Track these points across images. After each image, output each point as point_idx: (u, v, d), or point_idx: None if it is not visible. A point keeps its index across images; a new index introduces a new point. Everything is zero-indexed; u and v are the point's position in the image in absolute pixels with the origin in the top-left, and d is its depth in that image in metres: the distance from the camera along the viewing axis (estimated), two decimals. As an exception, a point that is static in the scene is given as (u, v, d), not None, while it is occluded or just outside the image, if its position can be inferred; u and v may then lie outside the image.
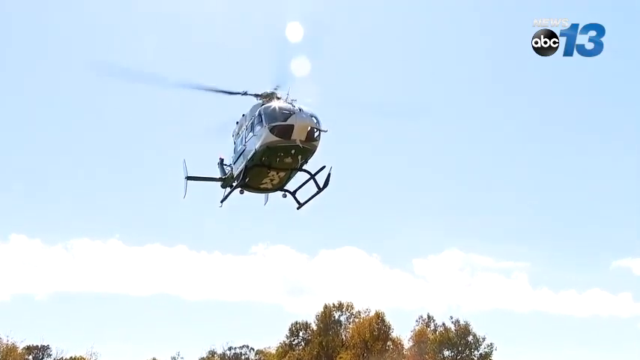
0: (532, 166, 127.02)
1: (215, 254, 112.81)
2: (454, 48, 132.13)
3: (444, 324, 73.22)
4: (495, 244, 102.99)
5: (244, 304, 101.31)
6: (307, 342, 76.05)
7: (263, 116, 23.39)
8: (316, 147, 23.24)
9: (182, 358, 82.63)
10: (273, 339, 79.25)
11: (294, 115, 22.62)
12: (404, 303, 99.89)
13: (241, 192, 26.71)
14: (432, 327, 73.97)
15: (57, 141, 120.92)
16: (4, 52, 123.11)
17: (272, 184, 25.62)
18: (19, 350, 68.27)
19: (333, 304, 76.66)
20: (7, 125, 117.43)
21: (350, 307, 76.34)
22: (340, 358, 71.40)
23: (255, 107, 25.15)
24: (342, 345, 73.17)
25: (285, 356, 75.56)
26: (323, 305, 76.59)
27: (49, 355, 77.11)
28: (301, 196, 26.93)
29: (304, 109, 23.15)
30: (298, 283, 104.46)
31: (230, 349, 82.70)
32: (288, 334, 77.42)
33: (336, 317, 76.37)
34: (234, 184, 27.09)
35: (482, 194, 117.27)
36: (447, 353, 70.64)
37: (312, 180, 25.48)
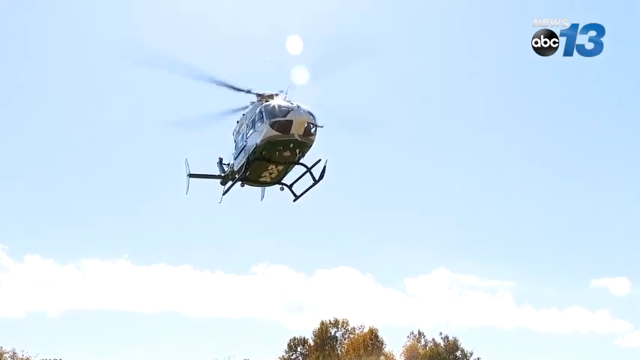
0: (520, 183, 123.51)
1: (218, 273, 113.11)
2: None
3: (433, 339, 75.06)
4: (481, 264, 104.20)
5: (245, 321, 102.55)
6: (305, 357, 77.24)
7: (264, 113, 24.19)
8: (313, 141, 24.05)
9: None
10: (273, 354, 79.83)
11: (292, 112, 23.50)
12: (396, 320, 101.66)
13: (242, 185, 27.39)
14: (423, 342, 75.59)
15: (66, 165, 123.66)
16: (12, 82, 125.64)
17: (270, 177, 26.30)
18: (34, 364, 70.81)
19: (330, 321, 78.25)
20: (18, 151, 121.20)
21: (345, 323, 78.17)
22: (336, 372, 73.09)
23: (255, 106, 25.99)
24: (338, 359, 74.78)
25: (284, 370, 77.46)
26: (320, 322, 78.16)
27: (62, 369, 79.04)
28: (296, 189, 27.55)
29: (302, 106, 23.98)
30: (296, 300, 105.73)
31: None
32: (287, 349, 78.47)
33: (332, 333, 77.98)
34: (235, 177, 27.79)
35: (469, 216, 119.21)
36: (437, 367, 72.90)
37: (308, 173, 26.15)
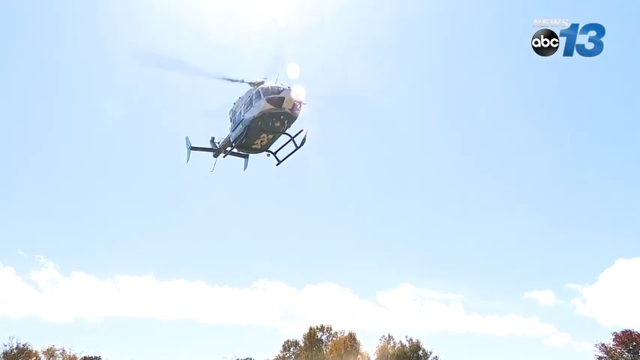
0: (472, 212, 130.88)
1: (225, 287, 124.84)
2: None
3: (400, 341, 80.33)
4: (438, 281, 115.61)
5: (248, 326, 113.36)
6: (296, 356, 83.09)
7: (261, 92, 26.58)
8: (298, 115, 26.35)
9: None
10: (271, 353, 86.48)
11: (284, 91, 26.20)
12: (370, 325, 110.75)
13: (235, 150, 29.16)
14: (392, 344, 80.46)
15: (103, 197, 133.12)
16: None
17: (261, 144, 28.16)
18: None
19: (317, 326, 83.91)
20: (62, 186, 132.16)
21: (329, 328, 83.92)
22: (322, 368, 77.66)
23: (250, 90, 27.86)
24: (323, 358, 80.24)
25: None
26: (309, 327, 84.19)
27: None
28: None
29: (291, 87, 26.52)
30: (289, 310, 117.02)
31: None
32: (282, 350, 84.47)
33: (319, 336, 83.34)
34: (232, 145, 29.12)
35: (428, 242, 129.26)
36: (403, 364, 77.48)
37: (291, 141, 27.92)
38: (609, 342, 66.28)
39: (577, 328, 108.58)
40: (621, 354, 66.52)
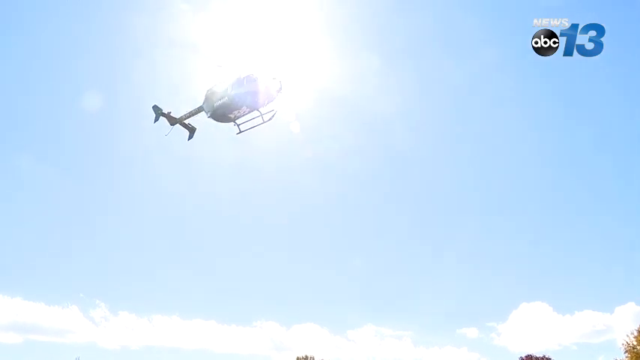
0: (415, 258, 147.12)
1: (232, 325, 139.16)
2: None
3: None
4: (393, 321, 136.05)
5: (249, 355, 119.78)
6: None
7: (252, 76, 28.95)
8: (275, 98, 28.83)
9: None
10: None
11: (273, 79, 28.28)
12: (342, 356, 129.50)
13: (209, 117, 30.50)
14: None
15: (140, 253, 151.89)
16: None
17: (235, 116, 29.73)
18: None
19: (302, 356, 76.17)
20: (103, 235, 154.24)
21: (312, 358, 76.04)
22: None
23: (237, 74, 29.70)
24: None
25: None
26: (296, 357, 76.60)
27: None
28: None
29: (275, 77, 28.87)
30: (281, 343, 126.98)
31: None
32: None
33: None
34: (208, 113, 30.64)
35: (387, 290, 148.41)
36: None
37: (260, 117, 29.55)
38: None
39: (494, 355, 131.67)
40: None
